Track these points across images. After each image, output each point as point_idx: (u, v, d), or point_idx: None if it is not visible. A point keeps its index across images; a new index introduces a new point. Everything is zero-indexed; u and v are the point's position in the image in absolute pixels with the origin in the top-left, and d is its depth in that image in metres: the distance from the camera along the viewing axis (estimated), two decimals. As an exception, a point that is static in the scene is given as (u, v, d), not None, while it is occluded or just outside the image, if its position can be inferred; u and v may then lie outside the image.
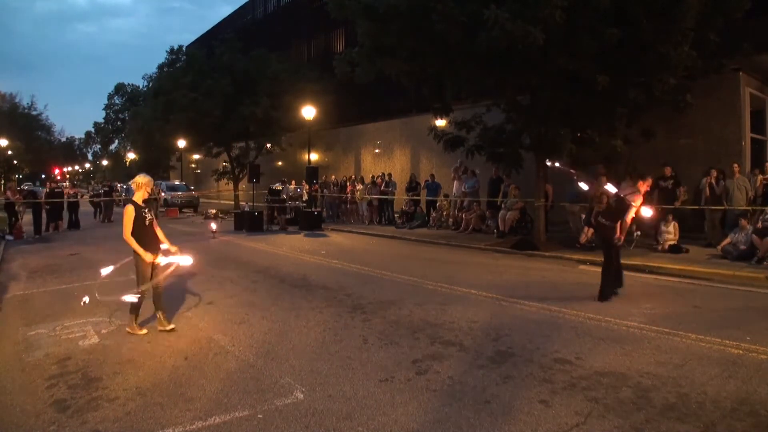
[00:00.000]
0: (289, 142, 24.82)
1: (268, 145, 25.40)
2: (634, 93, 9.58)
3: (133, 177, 5.41)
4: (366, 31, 10.54)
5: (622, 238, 6.70)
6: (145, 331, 5.26)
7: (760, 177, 10.39)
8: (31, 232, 15.10)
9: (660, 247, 10.07)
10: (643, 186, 6.74)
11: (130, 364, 4.44)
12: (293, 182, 19.39)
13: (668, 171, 11.02)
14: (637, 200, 6.55)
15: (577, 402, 3.57)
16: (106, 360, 4.54)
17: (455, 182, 15.08)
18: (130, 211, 5.11)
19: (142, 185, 5.20)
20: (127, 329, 5.26)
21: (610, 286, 6.63)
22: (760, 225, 9.19)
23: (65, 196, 17.42)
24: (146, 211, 5.24)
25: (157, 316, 5.38)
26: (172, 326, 5.37)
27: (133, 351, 4.76)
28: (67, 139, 78.73)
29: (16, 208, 15.08)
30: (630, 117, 10.33)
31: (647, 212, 6.86)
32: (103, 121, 68.68)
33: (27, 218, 15.54)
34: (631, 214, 6.59)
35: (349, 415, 3.42)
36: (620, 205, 6.56)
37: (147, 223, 5.20)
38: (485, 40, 8.79)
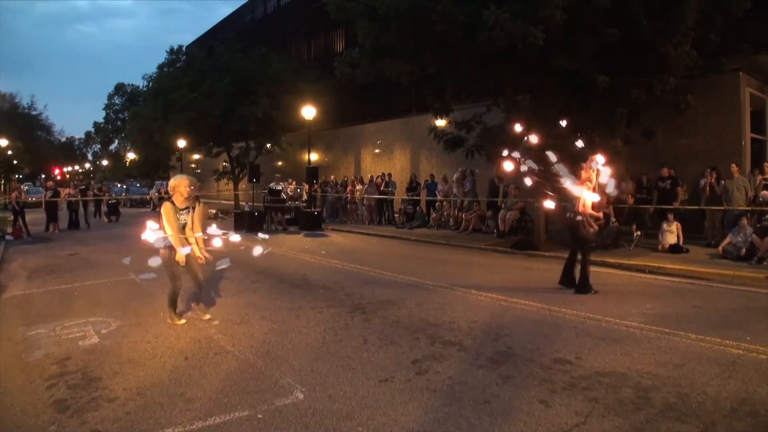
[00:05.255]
0: (289, 142, 24.79)
1: (268, 145, 25.38)
2: (635, 93, 9.59)
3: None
4: (366, 31, 10.54)
5: (594, 227, 6.81)
6: (183, 321, 5.68)
7: (759, 177, 10.40)
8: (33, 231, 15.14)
9: (660, 247, 10.07)
10: (584, 172, 6.72)
11: (130, 364, 4.44)
12: (293, 182, 19.35)
13: (666, 171, 11.03)
14: (581, 187, 6.58)
15: (577, 402, 3.57)
16: (106, 360, 4.53)
17: (455, 187, 15.06)
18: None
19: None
20: (168, 320, 5.65)
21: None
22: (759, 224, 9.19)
23: (63, 196, 17.44)
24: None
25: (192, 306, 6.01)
26: (207, 316, 5.86)
27: (133, 351, 4.76)
28: (67, 139, 78.45)
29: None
30: (630, 117, 10.33)
31: (593, 197, 6.67)
32: (103, 121, 68.38)
33: (29, 218, 15.55)
34: (581, 202, 6.66)
35: (349, 415, 3.42)
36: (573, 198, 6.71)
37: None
38: (485, 41, 8.79)
